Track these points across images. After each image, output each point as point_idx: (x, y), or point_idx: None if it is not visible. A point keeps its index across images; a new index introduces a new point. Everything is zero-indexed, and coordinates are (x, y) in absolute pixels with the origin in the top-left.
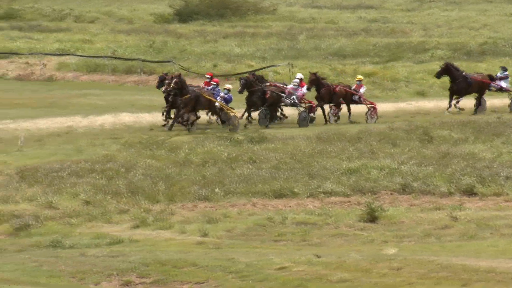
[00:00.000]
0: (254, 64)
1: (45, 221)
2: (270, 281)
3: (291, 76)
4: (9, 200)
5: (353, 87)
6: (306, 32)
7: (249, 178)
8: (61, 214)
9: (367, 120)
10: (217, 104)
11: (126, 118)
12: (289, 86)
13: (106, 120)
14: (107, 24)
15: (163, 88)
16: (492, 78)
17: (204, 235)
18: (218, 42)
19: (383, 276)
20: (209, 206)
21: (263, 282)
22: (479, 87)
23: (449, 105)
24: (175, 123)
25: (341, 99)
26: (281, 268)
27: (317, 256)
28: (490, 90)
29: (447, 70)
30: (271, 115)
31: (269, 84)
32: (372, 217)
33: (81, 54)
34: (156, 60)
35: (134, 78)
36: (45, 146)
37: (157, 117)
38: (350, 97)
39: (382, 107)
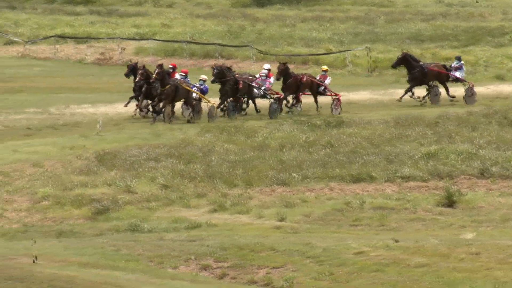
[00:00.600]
0: (332, 48)
1: (124, 205)
2: (348, 266)
3: (369, 61)
4: (88, 184)
5: (317, 78)
6: (384, 16)
7: (326, 162)
8: (139, 198)
9: (332, 111)
10: (194, 95)
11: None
12: (257, 77)
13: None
14: (185, 9)
15: (137, 78)
16: (446, 69)
17: (281, 219)
18: (296, 26)
19: (461, 261)
20: (287, 191)
21: (341, 267)
22: (435, 77)
23: (412, 93)
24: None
25: (307, 90)
26: (359, 253)
27: (395, 241)
28: (447, 80)
29: (405, 60)
30: (237, 106)
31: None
32: (450, 202)
33: (159, 38)
34: (234, 44)
35: (211, 62)
36: (123, 130)
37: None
38: (316, 88)
39: (461, 91)
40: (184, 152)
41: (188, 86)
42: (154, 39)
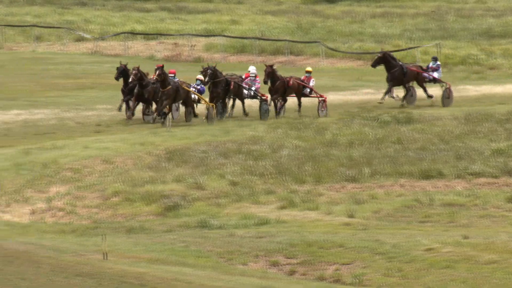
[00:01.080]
0: (403, 44)
1: (193, 201)
2: (418, 262)
3: (439, 57)
4: (158, 181)
5: (301, 79)
6: (454, 12)
7: (396, 159)
8: (209, 195)
9: (318, 113)
10: (194, 96)
11: None
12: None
13: (253, 101)
14: (254, 5)
15: (130, 79)
16: (423, 69)
17: (351, 216)
18: (365, 23)
19: None
20: (356, 187)
21: (411, 263)
22: (414, 77)
23: (391, 93)
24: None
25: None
26: (429, 249)
27: (465, 237)
28: (424, 81)
29: (384, 59)
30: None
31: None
32: None
33: (229, 35)
34: (303, 40)
35: (281, 58)
36: (193, 127)
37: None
38: (301, 90)
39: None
40: (253, 148)
41: (187, 87)
42: (224, 36)
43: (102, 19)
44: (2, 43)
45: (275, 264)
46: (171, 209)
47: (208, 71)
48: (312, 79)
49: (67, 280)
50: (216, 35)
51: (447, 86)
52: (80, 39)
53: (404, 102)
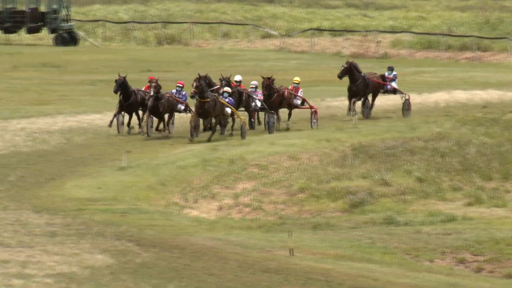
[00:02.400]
0: None
1: (379, 198)
2: None
3: None
4: (344, 177)
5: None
6: None
7: None
8: (395, 191)
9: (311, 125)
10: (228, 110)
11: (460, 95)
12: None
13: (440, 97)
14: (441, 1)
15: (152, 92)
16: (384, 79)
17: None
18: None
19: None
20: None
21: None
22: (376, 88)
23: (350, 108)
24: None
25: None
26: None
27: None
28: (385, 92)
29: (350, 70)
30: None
31: (217, 88)
32: None
33: (415, 31)
34: (490, 36)
35: (468, 54)
36: (379, 123)
37: (491, 94)
38: (293, 102)
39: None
40: (439, 145)
41: (224, 101)
42: (410, 32)
43: (289, 15)
44: (190, 40)
45: (462, 261)
46: (357, 205)
47: (223, 82)
48: (301, 89)
49: (253, 276)
50: (403, 32)
51: (407, 98)
52: (267, 36)
53: (357, 114)
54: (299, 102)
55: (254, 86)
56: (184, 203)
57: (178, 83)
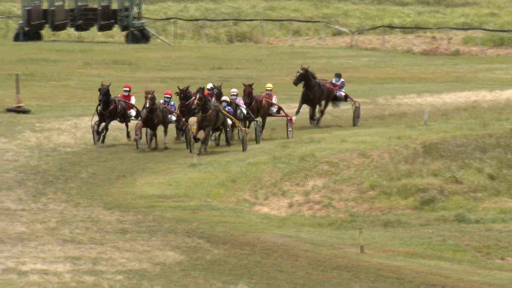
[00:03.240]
0: None
1: (450, 195)
2: None
3: None
4: (414, 174)
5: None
6: None
7: None
8: (466, 189)
9: (288, 134)
10: (229, 121)
11: None
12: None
13: None
14: None
15: (147, 104)
16: (334, 86)
17: None
18: None
19: None
20: None
21: None
22: (329, 95)
23: (311, 116)
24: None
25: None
26: None
27: None
28: (336, 99)
29: (305, 76)
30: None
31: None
32: None
33: (487, 28)
34: None
35: None
36: (450, 120)
37: None
38: (268, 110)
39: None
40: (511, 142)
41: (225, 111)
42: (482, 29)
43: (360, 12)
44: (261, 37)
45: None
46: (428, 202)
47: (214, 90)
48: (274, 96)
49: (324, 274)
50: (475, 28)
51: (357, 105)
52: (337, 33)
53: (314, 122)
54: (274, 110)
55: (235, 93)
56: (255, 200)
57: (166, 94)
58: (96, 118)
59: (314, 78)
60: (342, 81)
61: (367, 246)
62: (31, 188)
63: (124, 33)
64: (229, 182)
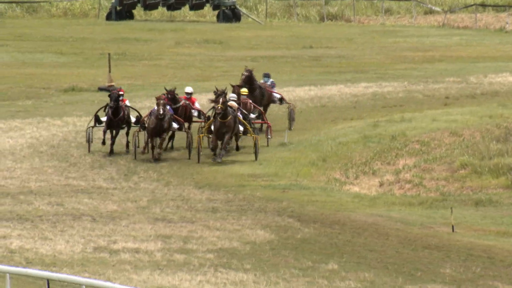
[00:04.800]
0: None
1: None
2: None
3: None
4: (506, 153)
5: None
6: None
7: None
8: None
9: (267, 140)
10: (241, 127)
11: None
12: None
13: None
14: None
15: (161, 111)
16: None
17: None
18: None
19: None
20: None
21: None
22: (269, 98)
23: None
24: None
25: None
26: None
27: None
28: (274, 102)
29: (250, 78)
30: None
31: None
32: None
33: None
34: None
35: None
36: None
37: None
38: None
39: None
40: None
41: (240, 117)
42: None
43: None
44: (352, 16)
45: None
46: None
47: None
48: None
49: (414, 253)
50: None
51: (292, 108)
52: (429, 12)
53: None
54: (195, 114)
55: (234, 98)
56: (345, 179)
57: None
58: (93, 123)
59: (256, 81)
60: (272, 81)
61: (458, 225)
62: (122, 167)
63: (216, 12)
64: (320, 161)
